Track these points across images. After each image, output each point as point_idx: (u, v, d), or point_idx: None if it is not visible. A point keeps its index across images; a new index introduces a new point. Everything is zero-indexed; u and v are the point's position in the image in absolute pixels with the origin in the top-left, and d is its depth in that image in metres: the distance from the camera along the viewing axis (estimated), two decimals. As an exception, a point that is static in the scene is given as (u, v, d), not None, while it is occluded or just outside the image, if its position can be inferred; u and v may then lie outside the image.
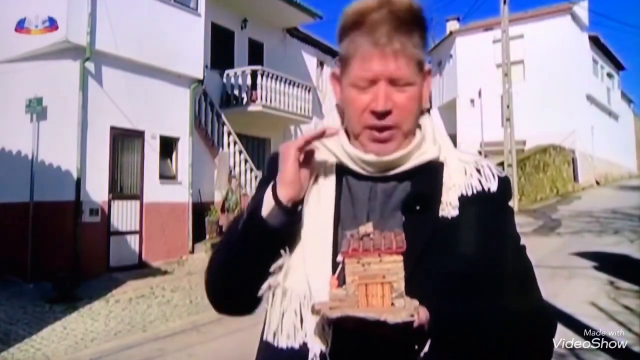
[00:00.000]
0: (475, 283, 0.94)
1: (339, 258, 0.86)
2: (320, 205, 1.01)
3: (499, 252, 0.98)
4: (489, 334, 0.92)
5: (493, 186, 1.02)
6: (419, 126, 1.06)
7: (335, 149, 1.04)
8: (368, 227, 0.90)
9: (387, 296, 0.82)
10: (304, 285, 0.97)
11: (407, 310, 0.80)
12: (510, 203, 1.09)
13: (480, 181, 1.02)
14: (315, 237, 1.00)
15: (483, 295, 0.93)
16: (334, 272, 0.94)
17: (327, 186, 1.04)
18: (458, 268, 0.93)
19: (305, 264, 0.98)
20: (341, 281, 0.86)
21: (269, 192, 0.99)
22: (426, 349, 0.87)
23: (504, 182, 1.05)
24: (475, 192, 1.01)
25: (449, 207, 0.99)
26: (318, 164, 1.05)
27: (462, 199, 1.00)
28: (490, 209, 1.01)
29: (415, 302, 0.83)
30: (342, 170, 1.04)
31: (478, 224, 0.99)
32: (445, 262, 0.94)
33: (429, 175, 1.02)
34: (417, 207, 0.98)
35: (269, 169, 1.12)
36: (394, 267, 0.83)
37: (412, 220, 0.98)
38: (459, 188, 1.01)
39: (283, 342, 0.97)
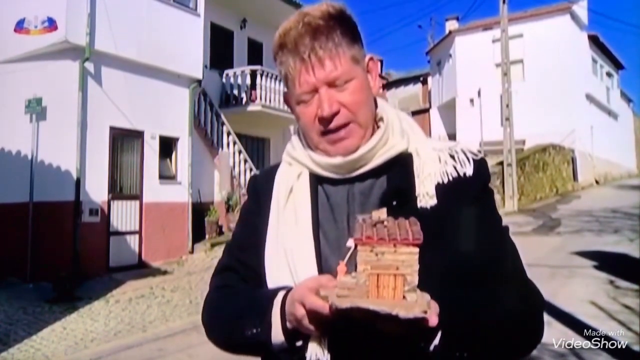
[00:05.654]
0: (463, 272, 0.93)
1: (350, 243, 0.83)
2: (297, 214, 1.02)
3: (483, 239, 0.98)
4: (490, 323, 0.91)
5: (469, 170, 1.02)
6: (382, 118, 1.06)
7: (306, 160, 1.06)
8: (382, 213, 0.87)
9: (399, 288, 0.79)
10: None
11: (420, 306, 0.77)
12: (491, 185, 1.09)
13: (455, 167, 1.02)
14: (298, 246, 1.00)
15: (472, 283, 0.93)
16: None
17: (302, 196, 1.04)
18: (443, 259, 0.93)
19: (292, 274, 0.98)
20: (350, 268, 0.83)
21: (279, 332, 0.93)
22: (436, 341, 0.85)
23: (481, 165, 1.05)
24: (451, 179, 1.01)
25: (426, 198, 0.99)
26: (294, 179, 1.06)
27: (440, 188, 1.00)
28: (469, 194, 1.01)
29: (427, 297, 0.80)
30: (318, 180, 1.05)
31: (458, 212, 0.98)
32: (431, 254, 0.92)
33: (402, 168, 1.03)
34: (394, 203, 0.98)
35: (253, 195, 1.15)
36: (408, 259, 0.79)
37: (391, 216, 0.98)
38: (434, 177, 1.01)
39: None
